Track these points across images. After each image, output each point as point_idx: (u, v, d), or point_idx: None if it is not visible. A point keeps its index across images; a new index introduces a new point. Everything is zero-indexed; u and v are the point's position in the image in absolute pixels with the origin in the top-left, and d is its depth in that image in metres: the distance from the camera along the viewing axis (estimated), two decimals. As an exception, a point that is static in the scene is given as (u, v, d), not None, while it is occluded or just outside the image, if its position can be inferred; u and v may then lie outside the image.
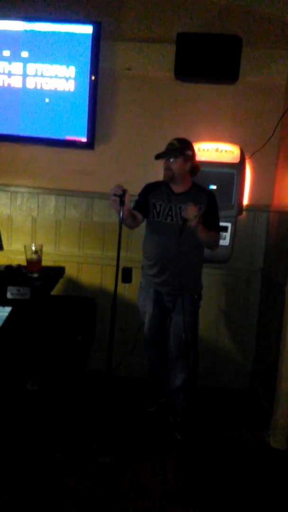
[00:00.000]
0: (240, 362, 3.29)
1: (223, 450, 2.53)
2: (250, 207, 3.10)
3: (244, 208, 3.04)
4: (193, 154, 2.49)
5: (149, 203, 2.51)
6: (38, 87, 2.99)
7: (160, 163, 2.51)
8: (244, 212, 3.06)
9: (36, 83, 2.99)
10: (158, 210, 2.50)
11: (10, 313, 2.44)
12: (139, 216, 2.45)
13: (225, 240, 2.94)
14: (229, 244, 2.95)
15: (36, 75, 2.98)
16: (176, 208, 2.46)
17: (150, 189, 2.55)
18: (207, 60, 2.83)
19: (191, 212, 2.29)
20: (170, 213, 2.47)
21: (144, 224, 2.61)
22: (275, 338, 2.68)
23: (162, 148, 2.50)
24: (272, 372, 2.70)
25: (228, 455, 2.48)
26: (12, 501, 2.00)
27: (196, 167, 2.50)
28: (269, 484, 2.26)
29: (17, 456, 2.31)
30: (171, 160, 2.41)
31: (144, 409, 2.86)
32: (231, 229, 2.93)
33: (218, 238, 2.54)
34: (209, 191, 2.57)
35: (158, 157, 2.43)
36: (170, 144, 2.44)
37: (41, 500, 2.02)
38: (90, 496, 2.07)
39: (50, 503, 2.00)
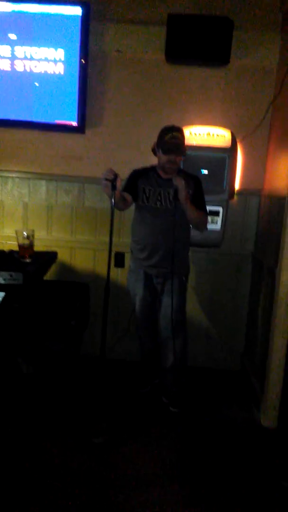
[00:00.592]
0: (231, 344, 3.35)
1: (215, 428, 2.59)
2: (241, 191, 3.11)
3: (235, 192, 3.05)
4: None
5: (138, 187, 2.52)
6: (27, 70, 2.94)
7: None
8: (235, 196, 3.08)
9: (24, 66, 2.94)
10: (147, 194, 2.52)
11: (3, 299, 2.45)
12: (128, 197, 2.47)
13: (216, 224, 2.96)
14: (221, 228, 2.97)
15: (25, 58, 2.93)
16: (165, 193, 2.48)
17: (139, 174, 2.56)
18: (198, 42, 2.81)
19: (179, 181, 2.35)
20: (159, 197, 2.50)
21: (133, 208, 2.62)
22: (266, 320, 2.74)
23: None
24: (262, 353, 2.76)
25: (220, 433, 2.55)
26: (10, 484, 2.05)
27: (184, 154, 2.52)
28: (260, 461, 2.33)
29: (14, 440, 2.35)
30: (182, 157, 2.44)
31: (138, 390, 2.91)
32: (223, 213, 2.95)
33: (205, 218, 2.60)
34: (196, 176, 2.59)
35: (167, 152, 2.39)
36: (175, 138, 2.39)
37: (38, 481, 2.06)
38: (86, 475, 2.12)
39: (46, 483, 2.05)
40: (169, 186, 2.46)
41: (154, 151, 2.52)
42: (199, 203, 2.53)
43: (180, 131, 2.45)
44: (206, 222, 2.63)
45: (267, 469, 2.27)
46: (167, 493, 2.04)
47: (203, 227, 2.64)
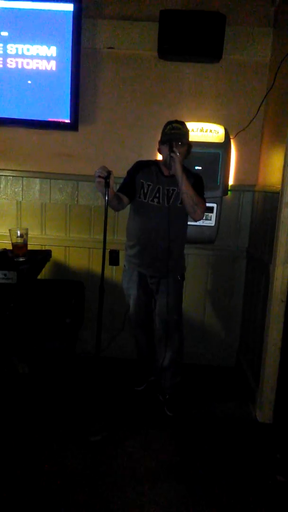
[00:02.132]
0: (227, 340, 3.36)
1: (212, 424, 2.60)
2: (235, 187, 3.11)
3: (229, 188, 3.05)
4: (189, 135, 2.49)
5: (136, 182, 2.49)
6: (19, 67, 2.92)
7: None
8: (229, 192, 3.08)
9: (17, 63, 2.92)
10: (145, 190, 2.48)
11: (-2, 298, 2.45)
12: (124, 198, 2.43)
13: (210, 220, 2.96)
14: (215, 224, 2.97)
15: (16, 55, 2.91)
16: (164, 190, 2.45)
17: (141, 166, 2.51)
18: (190, 38, 2.79)
19: (176, 154, 2.28)
20: (157, 194, 2.46)
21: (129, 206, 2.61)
22: (261, 316, 2.74)
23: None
24: (257, 349, 2.77)
25: (216, 429, 2.56)
26: (7, 484, 2.04)
27: (190, 151, 2.49)
28: (255, 456, 2.34)
29: (10, 439, 2.35)
30: (179, 143, 2.36)
31: (133, 388, 2.91)
32: (217, 209, 2.95)
33: (201, 203, 2.40)
34: (197, 174, 2.55)
35: (166, 142, 2.36)
36: (176, 129, 2.38)
37: (36, 480, 2.06)
38: (83, 473, 2.12)
39: (44, 483, 2.05)
40: (169, 184, 2.43)
41: (159, 150, 2.49)
42: (198, 192, 2.40)
43: (181, 123, 2.43)
44: (202, 208, 2.40)
45: (263, 464, 2.27)
46: (164, 490, 2.05)
47: (199, 213, 2.39)
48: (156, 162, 2.56)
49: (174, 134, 2.37)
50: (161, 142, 2.43)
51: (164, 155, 2.43)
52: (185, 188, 2.33)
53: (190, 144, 2.47)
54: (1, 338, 2.63)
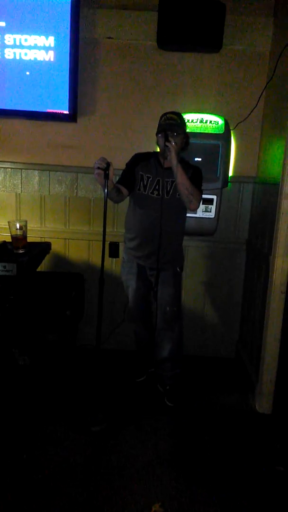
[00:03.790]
0: (227, 332, 3.37)
1: (212, 415, 2.61)
2: (235, 179, 3.10)
3: (229, 179, 3.04)
4: (186, 127, 2.50)
5: (136, 174, 2.48)
6: (17, 58, 2.89)
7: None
8: (229, 184, 3.06)
9: (15, 54, 2.89)
10: (145, 182, 2.47)
11: (-2, 290, 2.44)
12: (124, 190, 2.42)
13: (210, 212, 2.95)
14: (215, 216, 2.96)
15: (14, 45, 2.88)
16: (163, 182, 2.45)
17: (140, 159, 2.51)
18: (190, 27, 2.76)
19: (172, 144, 2.27)
20: (157, 186, 2.46)
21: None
22: (260, 307, 2.74)
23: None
24: (257, 341, 2.78)
25: (216, 420, 2.57)
26: (11, 476, 2.06)
27: (187, 142, 2.49)
28: (255, 446, 2.35)
29: (11, 431, 2.36)
30: (174, 134, 2.35)
31: (134, 380, 2.93)
32: (217, 201, 2.94)
33: (197, 194, 2.39)
34: (196, 167, 2.54)
35: (161, 131, 2.35)
36: (171, 119, 2.38)
37: (37, 470, 2.08)
38: (84, 463, 2.14)
39: (45, 473, 2.06)
40: (168, 176, 2.42)
41: (157, 142, 2.47)
42: (195, 184, 2.40)
43: (177, 114, 2.43)
44: (198, 198, 2.41)
45: (262, 454, 2.29)
46: (164, 480, 2.06)
47: (195, 203, 2.39)
48: (155, 154, 2.55)
49: (169, 124, 2.36)
50: (157, 133, 2.42)
51: (160, 146, 2.42)
52: (180, 178, 2.32)
53: (187, 135, 2.47)
54: (1, 330, 2.63)
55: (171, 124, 2.36)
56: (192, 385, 2.93)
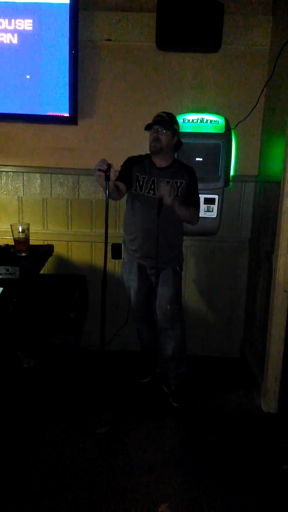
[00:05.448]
0: (231, 331, 3.36)
1: (217, 415, 2.61)
2: (236, 178, 3.09)
3: (230, 179, 3.04)
4: (178, 129, 2.52)
5: (132, 175, 2.50)
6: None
7: (145, 136, 2.49)
8: (230, 183, 3.06)
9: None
10: (141, 183, 2.49)
11: (2, 293, 2.45)
12: (122, 186, 2.43)
13: (212, 212, 2.95)
14: (217, 216, 2.96)
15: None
16: (158, 182, 2.46)
17: (133, 161, 2.53)
18: (189, 27, 2.76)
19: (163, 191, 2.34)
20: (152, 186, 2.48)
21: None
22: (264, 306, 2.74)
23: (146, 120, 2.48)
24: (261, 340, 2.77)
25: (222, 419, 2.57)
26: (14, 475, 2.06)
27: (180, 142, 2.54)
28: (261, 445, 2.35)
29: (17, 433, 2.37)
30: (162, 131, 2.40)
31: (139, 381, 2.93)
32: (219, 200, 2.94)
33: (196, 214, 2.56)
34: (190, 167, 2.57)
35: (148, 127, 2.42)
36: (159, 116, 2.44)
37: (43, 472, 2.08)
38: (90, 465, 2.14)
39: (51, 475, 2.07)
40: (163, 176, 2.45)
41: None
42: (191, 197, 2.53)
43: (167, 113, 2.48)
44: (196, 217, 2.58)
45: (268, 453, 2.28)
46: (170, 480, 2.06)
47: (195, 222, 2.59)
48: (148, 155, 2.57)
49: (156, 120, 2.42)
50: (145, 128, 2.46)
51: (149, 143, 2.46)
52: (180, 213, 2.44)
53: (179, 138, 2.52)
54: (5, 333, 2.64)
55: (158, 121, 2.41)
56: (197, 385, 2.93)
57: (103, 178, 2.11)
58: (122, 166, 2.54)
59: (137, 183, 2.50)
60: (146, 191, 2.48)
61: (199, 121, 2.88)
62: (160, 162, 2.49)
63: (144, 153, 2.60)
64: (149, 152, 2.55)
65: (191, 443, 2.34)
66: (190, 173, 2.53)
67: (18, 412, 2.53)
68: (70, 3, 2.81)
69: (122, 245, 2.74)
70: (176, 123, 2.51)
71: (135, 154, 2.60)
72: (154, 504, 1.91)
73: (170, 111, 2.52)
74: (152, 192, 2.47)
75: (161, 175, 2.46)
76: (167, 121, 2.41)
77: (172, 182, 2.45)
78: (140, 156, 2.57)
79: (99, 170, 2.10)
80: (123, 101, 3.06)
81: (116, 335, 3.23)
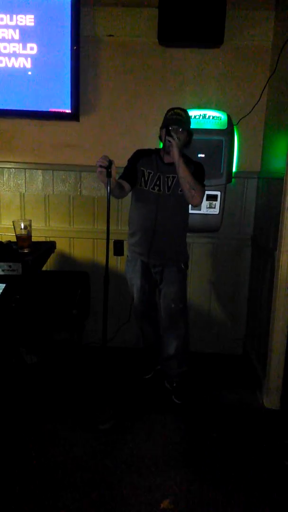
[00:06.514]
0: (233, 328, 3.36)
1: (219, 412, 2.61)
2: (239, 174, 3.08)
3: (233, 175, 3.03)
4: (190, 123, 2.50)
5: (137, 170, 2.48)
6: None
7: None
8: (233, 180, 3.05)
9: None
10: (146, 178, 2.47)
11: (4, 290, 2.45)
12: (126, 185, 2.42)
13: (215, 208, 2.94)
14: (219, 212, 2.95)
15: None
16: (164, 178, 2.45)
17: (141, 155, 2.51)
18: (191, 23, 2.75)
19: (173, 140, 2.27)
20: (158, 182, 2.46)
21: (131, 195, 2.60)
22: (266, 303, 2.73)
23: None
24: (264, 336, 2.77)
25: (224, 416, 2.57)
26: (18, 471, 2.07)
27: (190, 140, 2.50)
28: (263, 441, 2.35)
29: (20, 430, 2.37)
30: (179, 129, 2.37)
31: (141, 377, 2.93)
32: (221, 197, 2.93)
33: (199, 187, 2.36)
34: (198, 162, 2.54)
35: (167, 129, 2.33)
36: (177, 114, 2.39)
37: (46, 468, 2.09)
38: (93, 461, 2.14)
39: (54, 471, 2.08)
40: (170, 172, 2.43)
41: (160, 137, 2.47)
42: (197, 176, 2.40)
43: (183, 110, 2.44)
44: (200, 193, 2.38)
45: (270, 449, 2.29)
46: (172, 477, 2.06)
47: (197, 196, 2.36)
48: (157, 150, 2.55)
49: (174, 119, 2.37)
50: (161, 127, 2.42)
51: (163, 140, 2.41)
52: (182, 172, 2.31)
53: (191, 133, 2.47)
54: (8, 330, 2.65)
55: (177, 120, 2.37)
56: (199, 381, 2.93)
57: (104, 174, 2.11)
58: (128, 161, 2.52)
59: (143, 178, 2.48)
60: (151, 187, 2.47)
61: (201, 117, 2.87)
62: (168, 158, 2.44)
63: (154, 148, 2.58)
64: (157, 147, 2.53)
65: (193, 440, 2.35)
66: (197, 167, 2.47)
67: (21, 408, 2.54)
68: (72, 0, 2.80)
69: (127, 242, 2.73)
70: (190, 120, 2.48)
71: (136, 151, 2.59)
72: (156, 500, 1.92)
73: (172, 107, 2.48)
74: (157, 188, 2.46)
75: (168, 171, 2.44)
76: (185, 120, 2.39)
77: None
78: (149, 150, 2.55)
79: (100, 166, 2.10)
80: (125, 96, 3.05)
81: (118, 332, 3.24)
